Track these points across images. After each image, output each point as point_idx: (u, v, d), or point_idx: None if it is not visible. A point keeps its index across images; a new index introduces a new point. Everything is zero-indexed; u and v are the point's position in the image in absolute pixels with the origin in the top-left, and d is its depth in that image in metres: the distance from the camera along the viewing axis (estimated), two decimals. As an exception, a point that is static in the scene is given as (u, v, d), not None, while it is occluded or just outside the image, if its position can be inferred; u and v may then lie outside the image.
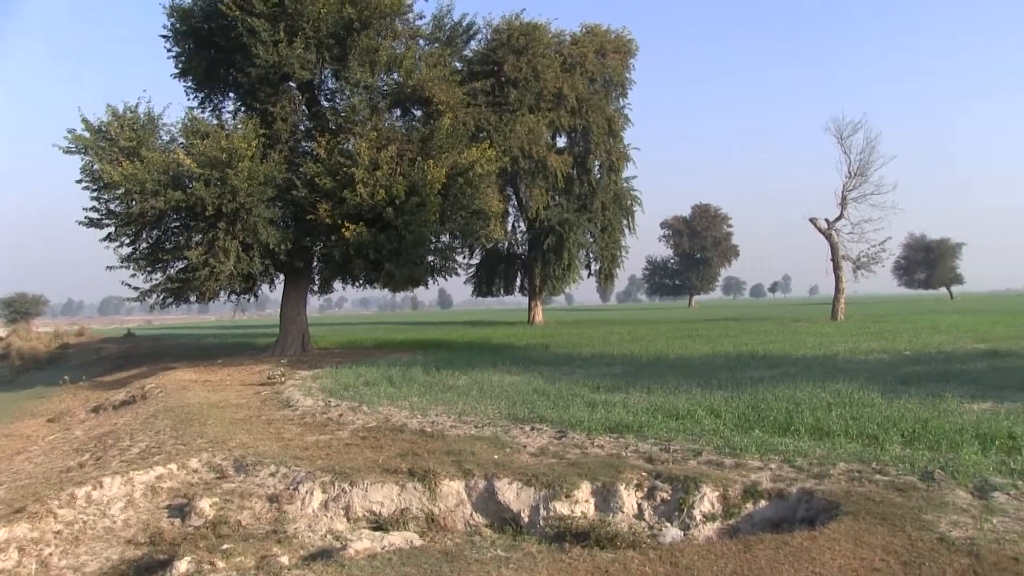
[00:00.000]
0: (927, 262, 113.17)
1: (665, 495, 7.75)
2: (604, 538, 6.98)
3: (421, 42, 28.65)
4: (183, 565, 6.91)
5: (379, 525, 8.12)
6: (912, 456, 8.13)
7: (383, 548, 6.95)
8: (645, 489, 7.91)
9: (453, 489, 8.42)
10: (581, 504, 7.88)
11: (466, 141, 26.22)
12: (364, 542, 7.11)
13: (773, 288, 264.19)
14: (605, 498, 7.91)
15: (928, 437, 8.95)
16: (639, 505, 7.82)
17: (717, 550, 5.90)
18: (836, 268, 43.65)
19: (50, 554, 7.87)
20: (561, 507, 7.82)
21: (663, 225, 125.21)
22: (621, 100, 51.88)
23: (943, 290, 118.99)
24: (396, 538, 7.38)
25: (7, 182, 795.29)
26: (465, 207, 24.71)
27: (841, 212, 44.07)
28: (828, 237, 43.76)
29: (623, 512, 7.73)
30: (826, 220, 44.08)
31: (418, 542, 7.41)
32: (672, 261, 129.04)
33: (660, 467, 8.27)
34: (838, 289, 43.81)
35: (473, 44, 37.52)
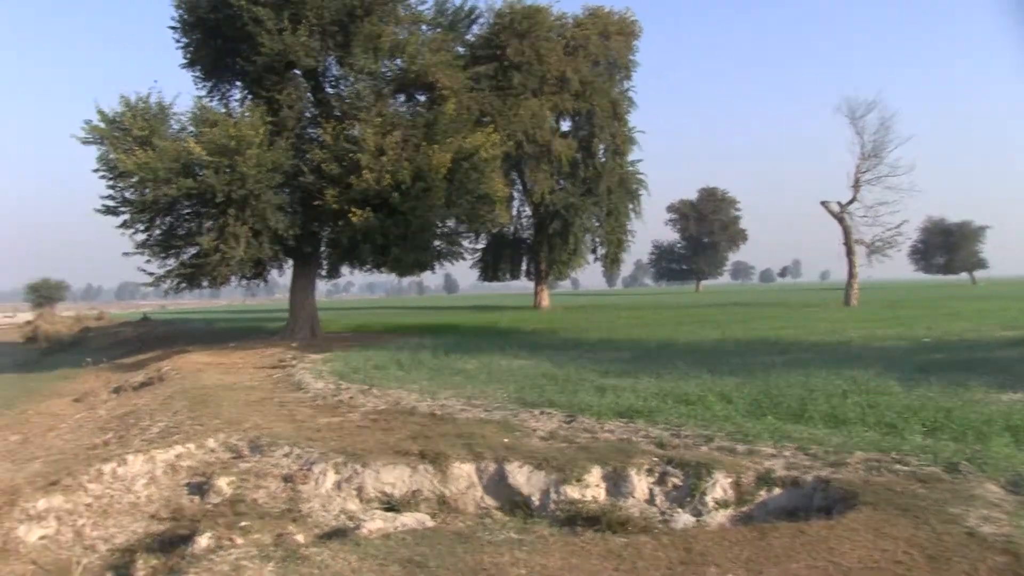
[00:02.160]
0: (947, 246, 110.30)
1: (677, 481, 7.78)
2: (615, 523, 7.01)
3: (424, 27, 28.56)
4: (204, 540, 7.09)
5: (391, 506, 8.21)
6: (935, 447, 7.85)
7: (395, 528, 7.06)
8: (656, 474, 7.92)
9: (464, 472, 8.49)
10: (592, 488, 7.92)
11: (470, 126, 26.24)
12: (377, 522, 7.23)
13: (783, 273, 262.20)
14: (616, 483, 7.95)
15: (952, 427, 8.65)
16: (650, 490, 7.84)
17: (731, 536, 5.91)
18: (849, 253, 42.99)
19: (83, 525, 8.31)
20: (572, 491, 7.87)
21: (669, 209, 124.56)
22: (625, 83, 51.86)
23: (964, 275, 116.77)
24: (408, 519, 7.48)
25: (29, 171, 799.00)
26: (470, 192, 24.73)
27: (854, 195, 43.28)
28: (840, 220, 42.99)
29: (634, 497, 7.77)
30: (838, 203, 43.26)
31: (430, 523, 7.51)
32: (679, 245, 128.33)
33: (671, 452, 8.29)
34: (851, 274, 43.15)
35: (475, 28, 37.38)
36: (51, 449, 12.55)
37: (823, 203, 43.66)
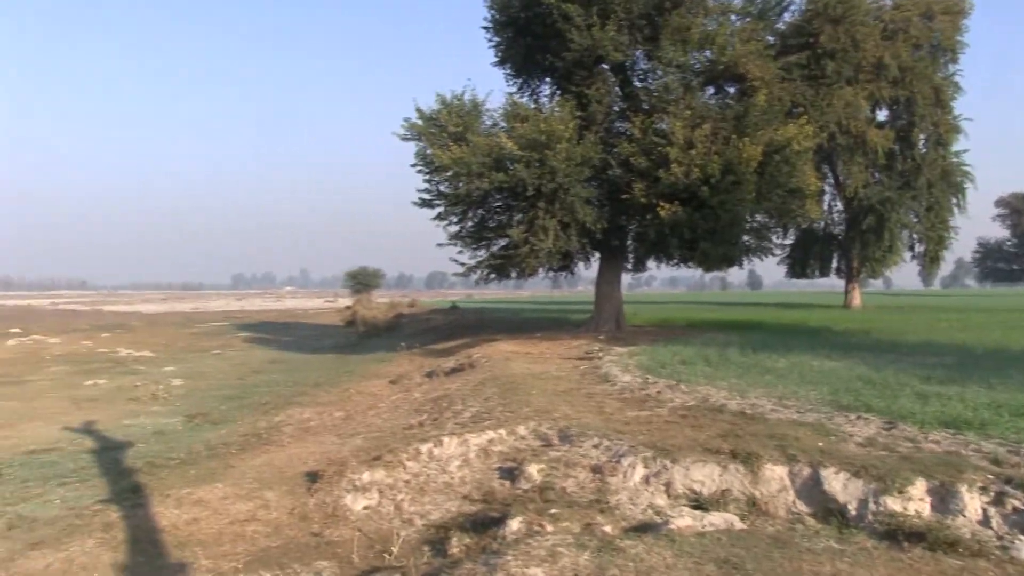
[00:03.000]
0: None
1: (1017, 503, 6.98)
2: (943, 542, 6.45)
3: (733, 17, 27.91)
4: (515, 524, 7.34)
5: (698, 504, 8.07)
6: None
7: (704, 527, 6.96)
8: (991, 494, 7.17)
9: (776, 474, 8.17)
10: (915, 502, 7.33)
11: (781, 117, 25.35)
12: (685, 519, 7.16)
13: None
14: (943, 499, 7.29)
15: None
16: (984, 511, 7.11)
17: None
18: None
19: (402, 499, 8.93)
20: (892, 503, 7.32)
21: (998, 203, 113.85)
22: (950, 66, 47.86)
23: None
24: (716, 518, 7.35)
25: (354, 170, 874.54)
26: (781, 186, 23.87)
27: None
28: None
29: (964, 516, 7.08)
30: None
31: (739, 524, 7.31)
32: (1008, 243, 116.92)
33: (1010, 471, 7.47)
34: None
35: (786, 16, 36.06)
36: (371, 426, 13.59)
37: None
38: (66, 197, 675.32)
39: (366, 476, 9.28)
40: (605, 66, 26.44)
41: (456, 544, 7.52)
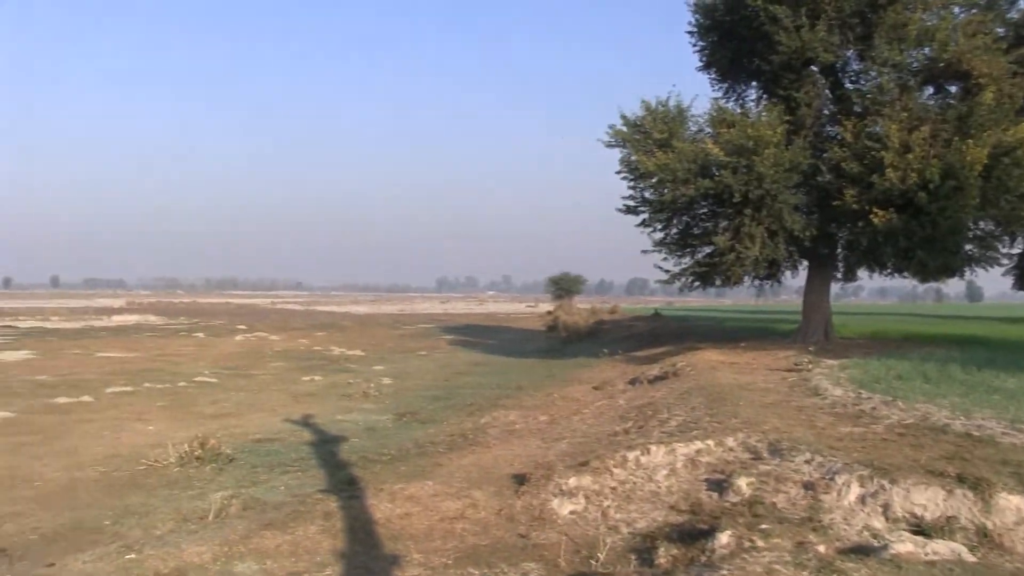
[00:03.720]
0: None
1: None
2: None
3: (956, 10, 26.21)
4: (724, 538, 7.22)
5: (919, 529, 7.62)
6: None
7: (926, 555, 6.57)
8: None
9: (1012, 504, 7.58)
10: None
11: (1012, 116, 23.62)
12: (907, 545, 6.79)
13: None
14: None
15: None
16: None
17: None
18: None
19: (608, 506, 9.01)
20: None
21: None
22: None
23: None
24: (941, 547, 6.91)
25: (557, 177, 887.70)
26: (1011, 190, 22.12)
27: None
28: None
29: None
30: None
31: (968, 556, 6.81)
32: None
33: None
34: None
35: (1021, 4, 33.63)
36: (576, 432, 13.72)
37: None
38: (284, 203, 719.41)
39: (572, 481, 9.40)
40: (814, 68, 25.56)
41: (663, 555, 7.48)
